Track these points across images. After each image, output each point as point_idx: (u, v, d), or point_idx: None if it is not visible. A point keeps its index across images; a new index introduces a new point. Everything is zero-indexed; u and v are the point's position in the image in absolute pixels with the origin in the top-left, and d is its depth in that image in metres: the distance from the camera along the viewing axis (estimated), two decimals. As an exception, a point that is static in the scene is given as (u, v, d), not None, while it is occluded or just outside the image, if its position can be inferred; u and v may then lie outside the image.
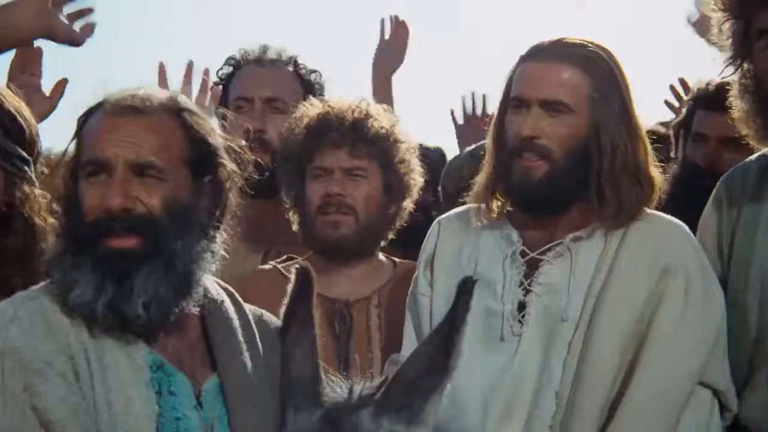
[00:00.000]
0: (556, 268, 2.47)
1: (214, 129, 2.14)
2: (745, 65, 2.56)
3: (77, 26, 2.79)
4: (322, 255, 2.94)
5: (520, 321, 2.45)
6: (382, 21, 4.48)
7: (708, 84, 3.40)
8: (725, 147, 3.30)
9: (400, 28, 4.44)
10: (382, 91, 4.33)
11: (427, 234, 2.71)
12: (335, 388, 1.97)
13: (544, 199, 2.48)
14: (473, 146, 3.70)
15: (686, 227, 2.54)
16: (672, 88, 4.29)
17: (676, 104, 4.28)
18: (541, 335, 2.42)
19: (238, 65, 3.57)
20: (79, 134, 2.08)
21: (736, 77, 2.59)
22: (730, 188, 2.66)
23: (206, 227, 2.08)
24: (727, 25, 2.58)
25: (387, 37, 4.43)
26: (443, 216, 2.73)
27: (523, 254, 2.51)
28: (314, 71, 3.59)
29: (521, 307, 2.47)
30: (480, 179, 2.61)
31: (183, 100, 2.14)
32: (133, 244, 1.98)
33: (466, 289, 1.86)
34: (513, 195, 2.55)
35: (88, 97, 2.11)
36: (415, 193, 3.04)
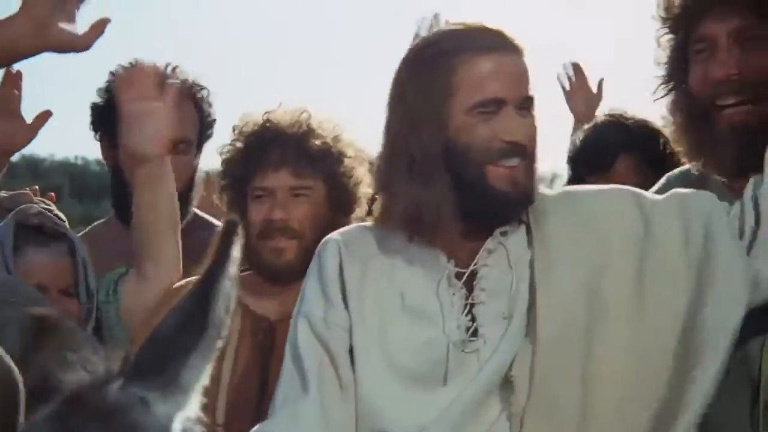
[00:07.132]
0: (494, 267, 2.19)
1: None
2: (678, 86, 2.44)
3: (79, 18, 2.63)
4: (263, 277, 2.76)
5: (472, 340, 2.16)
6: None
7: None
8: None
9: None
10: None
11: (324, 252, 2.33)
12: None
13: (519, 204, 2.19)
14: None
15: None
16: None
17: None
18: (499, 334, 2.14)
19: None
20: None
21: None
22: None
23: None
24: (665, 39, 2.43)
25: None
26: (338, 236, 2.34)
27: (458, 275, 2.20)
28: (202, 88, 3.26)
29: (471, 325, 2.18)
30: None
31: None
32: None
33: (228, 232, 1.58)
34: (484, 210, 2.21)
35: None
36: (364, 204, 2.89)
